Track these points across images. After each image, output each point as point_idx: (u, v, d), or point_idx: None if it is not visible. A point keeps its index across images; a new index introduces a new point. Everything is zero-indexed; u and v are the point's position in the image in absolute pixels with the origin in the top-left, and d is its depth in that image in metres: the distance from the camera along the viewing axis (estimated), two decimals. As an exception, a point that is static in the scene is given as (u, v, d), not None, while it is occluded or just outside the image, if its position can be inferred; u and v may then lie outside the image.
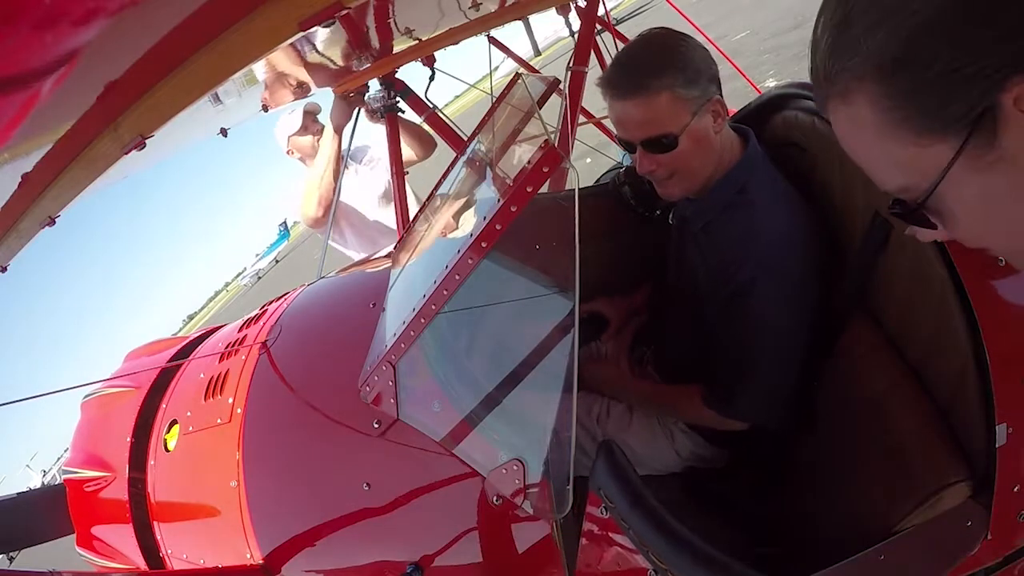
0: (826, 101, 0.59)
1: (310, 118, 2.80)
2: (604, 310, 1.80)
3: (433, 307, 1.09)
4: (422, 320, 1.11)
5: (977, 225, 0.59)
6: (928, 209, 0.59)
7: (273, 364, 1.46)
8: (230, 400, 1.44)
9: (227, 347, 1.62)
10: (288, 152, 2.87)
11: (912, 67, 0.51)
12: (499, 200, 1.00)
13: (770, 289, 1.25)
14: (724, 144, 1.33)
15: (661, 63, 1.24)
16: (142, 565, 1.48)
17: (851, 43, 0.53)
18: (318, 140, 2.67)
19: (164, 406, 1.64)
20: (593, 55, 2.62)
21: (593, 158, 4.72)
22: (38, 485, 9.22)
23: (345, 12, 1.00)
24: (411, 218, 1.91)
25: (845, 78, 0.55)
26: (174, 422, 1.56)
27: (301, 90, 2.32)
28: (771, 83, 7.01)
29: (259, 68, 1.51)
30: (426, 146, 2.78)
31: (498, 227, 1.00)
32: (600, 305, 1.80)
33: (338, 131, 2.39)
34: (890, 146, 0.56)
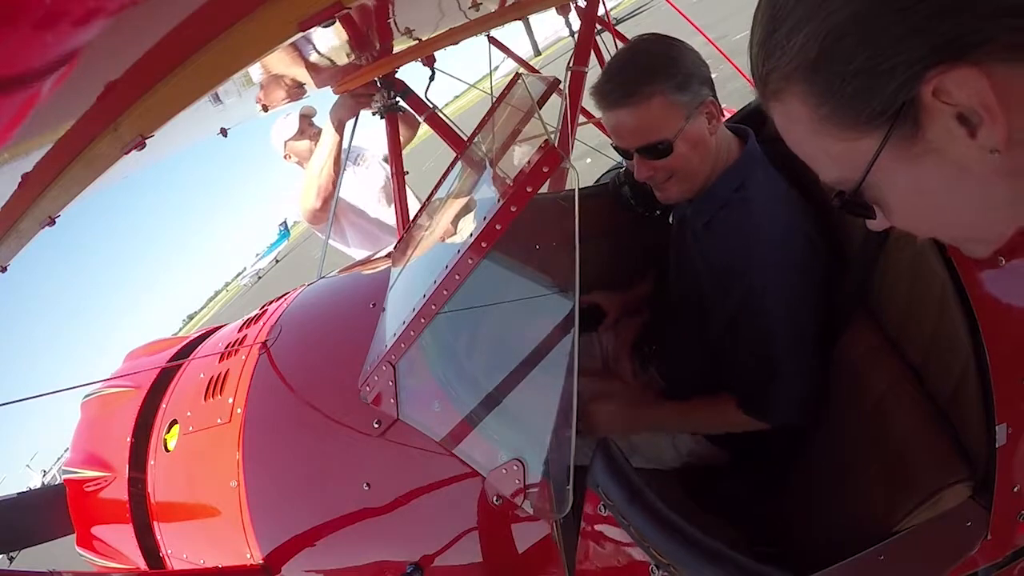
0: (763, 100, 0.60)
1: (306, 121, 2.78)
2: (601, 301, 1.79)
3: (433, 307, 1.09)
4: (422, 320, 1.11)
5: (914, 214, 0.61)
6: (864, 199, 0.60)
7: (273, 364, 1.46)
8: (230, 400, 1.44)
9: (227, 347, 1.62)
10: (285, 157, 2.85)
11: (834, 65, 0.52)
12: (499, 200, 1.00)
13: (775, 289, 1.25)
14: (721, 145, 1.33)
15: (650, 70, 1.24)
16: (142, 565, 1.48)
17: (779, 44, 0.54)
18: (315, 144, 2.65)
19: (164, 406, 1.63)
20: (593, 55, 2.62)
21: (593, 158, 4.71)
22: (38, 485, 9.22)
23: (345, 12, 1.00)
24: (411, 218, 1.91)
25: (776, 78, 0.56)
26: (174, 422, 1.56)
27: (299, 90, 2.32)
28: (771, 83, 6.97)
29: (255, 68, 1.51)
30: (411, 126, 2.77)
31: (498, 227, 1.00)
32: (597, 297, 1.80)
33: (339, 128, 2.38)
34: (822, 141, 0.57)
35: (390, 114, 2.30)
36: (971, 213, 0.58)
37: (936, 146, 0.52)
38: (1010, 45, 0.47)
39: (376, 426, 1.20)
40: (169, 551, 1.47)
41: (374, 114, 2.39)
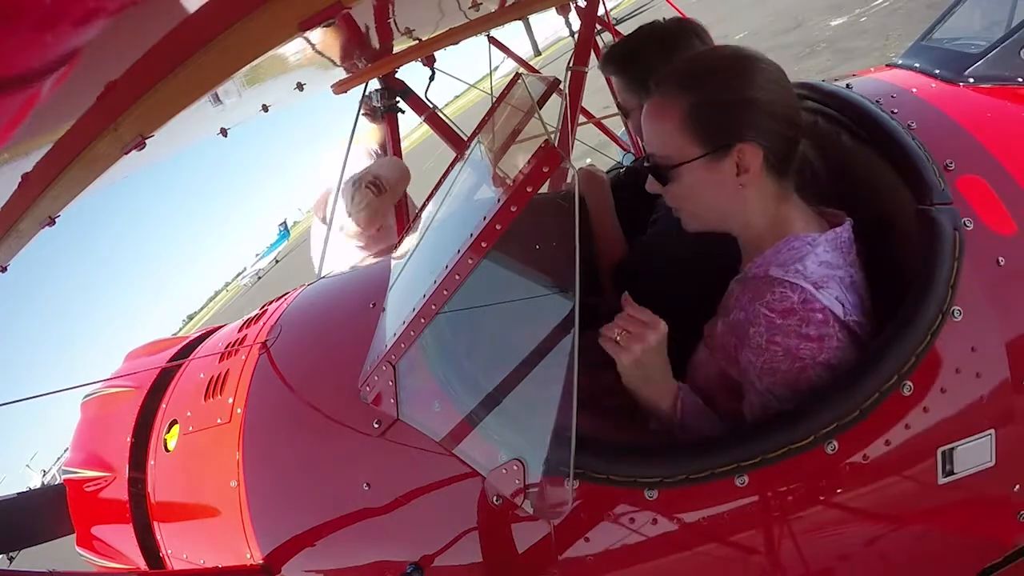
0: (658, 89, 1.11)
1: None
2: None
3: (433, 307, 1.09)
4: (422, 320, 1.11)
5: (688, 195, 1.12)
6: (668, 174, 1.10)
7: (273, 364, 1.46)
8: (230, 400, 1.44)
9: (227, 347, 1.62)
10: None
11: (703, 115, 1.06)
12: (499, 200, 1.00)
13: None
14: None
15: (618, 58, 1.57)
16: (142, 565, 1.48)
17: (681, 87, 1.09)
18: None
19: (164, 406, 1.63)
20: (593, 55, 2.62)
21: (593, 158, 4.72)
22: (38, 485, 9.21)
23: (345, 12, 1.00)
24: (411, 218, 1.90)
25: (671, 93, 1.09)
26: (174, 422, 1.56)
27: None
28: (771, 83, 6.96)
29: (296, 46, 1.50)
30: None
31: (498, 227, 1.00)
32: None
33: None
34: (679, 135, 1.08)
35: (390, 114, 2.30)
36: (717, 206, 1.12)
37: (725, 171, 1.07)
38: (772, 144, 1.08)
39: (376, 426, 1.20)
40: (169, 551, 1.47)
41: (374, 113, 2.39)
